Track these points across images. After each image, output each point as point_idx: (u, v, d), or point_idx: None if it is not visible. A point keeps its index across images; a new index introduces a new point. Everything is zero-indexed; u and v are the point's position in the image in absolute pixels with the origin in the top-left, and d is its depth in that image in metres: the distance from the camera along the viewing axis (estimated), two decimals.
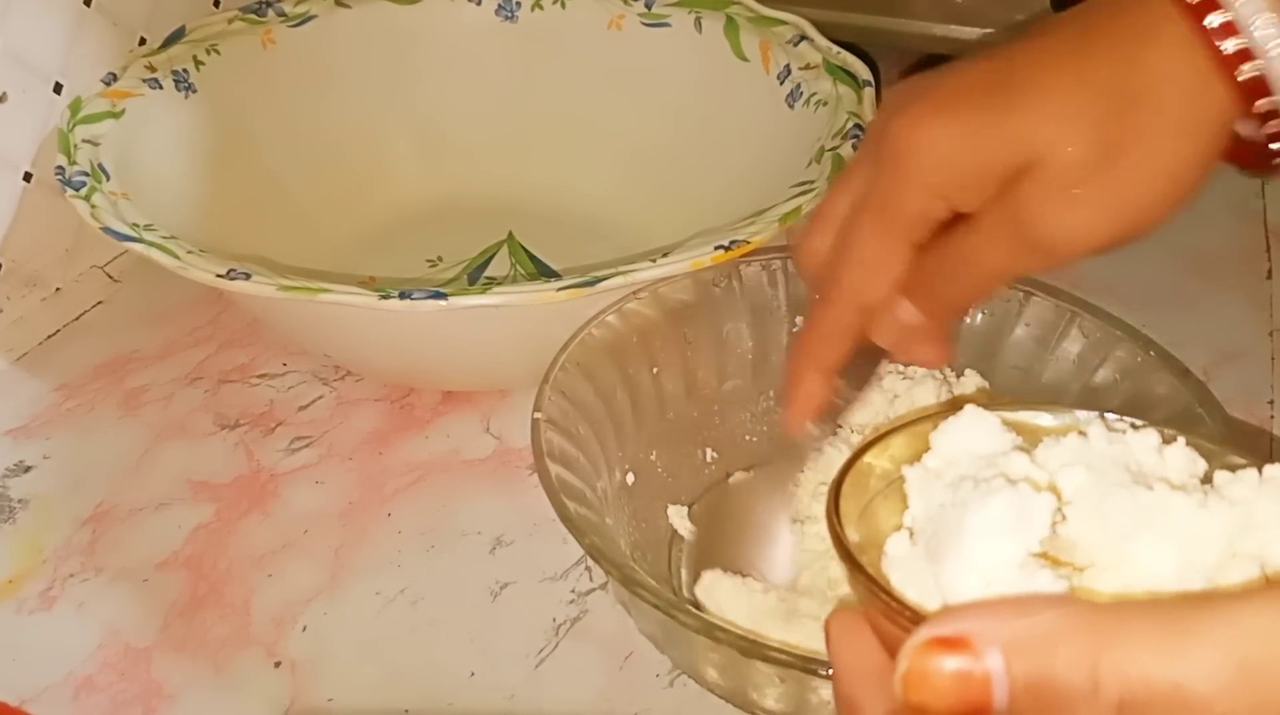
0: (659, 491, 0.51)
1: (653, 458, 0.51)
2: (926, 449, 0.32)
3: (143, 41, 0.68)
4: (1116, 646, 0.22)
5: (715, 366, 0.53)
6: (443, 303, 0.48)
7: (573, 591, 0.50)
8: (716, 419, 0.53)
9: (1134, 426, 0.32)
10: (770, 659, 0.37)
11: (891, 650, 0.27)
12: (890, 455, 0.34)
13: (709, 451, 0.53)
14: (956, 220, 0.39)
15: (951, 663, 0.23)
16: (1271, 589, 0.23)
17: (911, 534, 0.30)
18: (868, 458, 0.34)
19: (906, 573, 0.29)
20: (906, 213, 0.39)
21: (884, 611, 0.28)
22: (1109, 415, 0.33)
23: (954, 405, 0.34)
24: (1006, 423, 0.33)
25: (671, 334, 0.51)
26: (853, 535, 0.31)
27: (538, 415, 0.44)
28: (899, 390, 0.49)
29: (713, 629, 0.38)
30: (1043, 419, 0.34)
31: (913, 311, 0.42)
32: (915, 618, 0.26)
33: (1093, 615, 0.23)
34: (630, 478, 0.50)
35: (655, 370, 0.51)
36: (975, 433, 0.32)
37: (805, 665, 0.37)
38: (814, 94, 0.62)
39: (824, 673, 0.36)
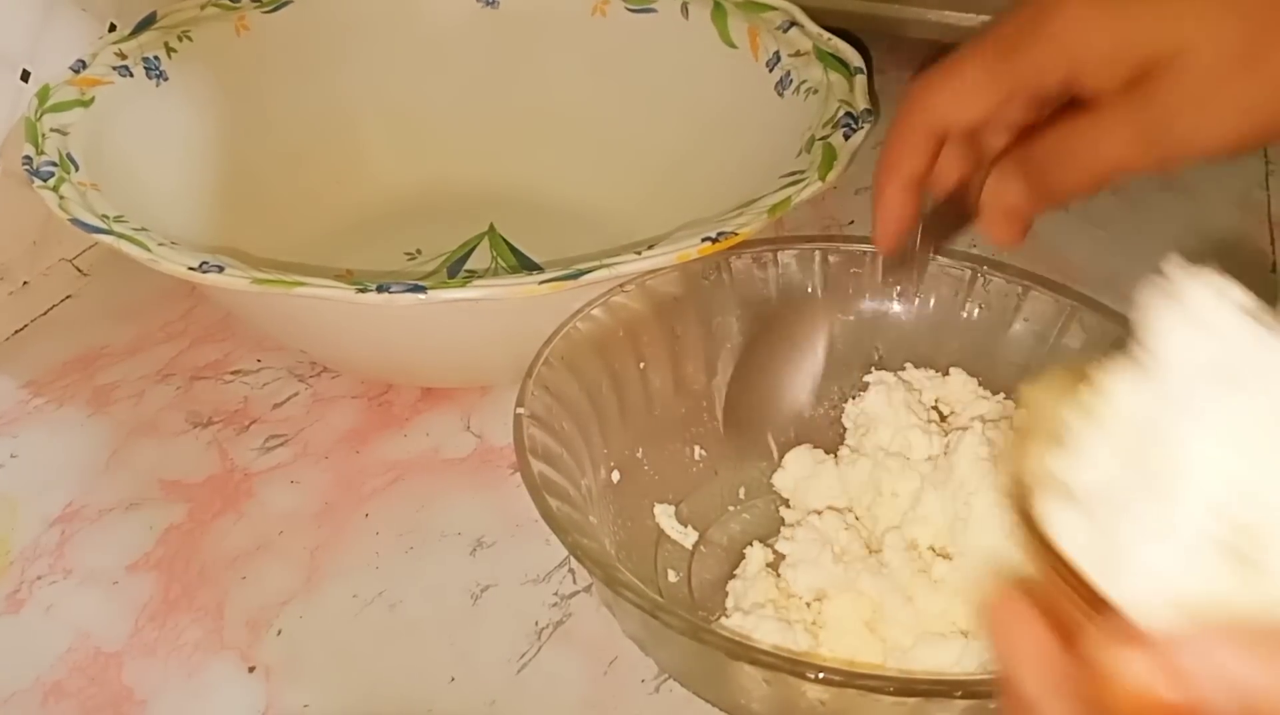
0: (645, 490, 0.51)
1: (639, 455, 0.51)
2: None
3: (113, 28, 0.68)
4: None
5: (704, 361, 0.52)
6: (422, 296, 0.48)
7: (556, 594, 0.50)
8: (705, 416, 0.53)
9: None
10: (758, 661, 0.37)
11: (1060, 624, 0.25)
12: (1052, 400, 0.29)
13: (697, 449, 0.52)
14: (1070, 110, 0.40)
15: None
16: None
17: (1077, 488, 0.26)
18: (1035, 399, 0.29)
19: (1077, 529, 0.25)
20: (1023, 62, 0.40)
21: (1081, 601, 0.25)
22: None
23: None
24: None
25: (659, 328, 0.51)
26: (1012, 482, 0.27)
27: (520, 411, 0.44)
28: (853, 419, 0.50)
29: (697, 630, 0.38)
30: None
31: (1014, 188, 0.42)
32: (1122, 627, 0.23)
33: None
34: (616, 476, 0.49)
35: (642, 365, 0.51)
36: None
37: (793, 668, 0.36)
38: (804, 82, 0.62)
39: (812, 675, 0.36)
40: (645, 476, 0.51)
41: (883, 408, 0.49)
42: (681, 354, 0.52)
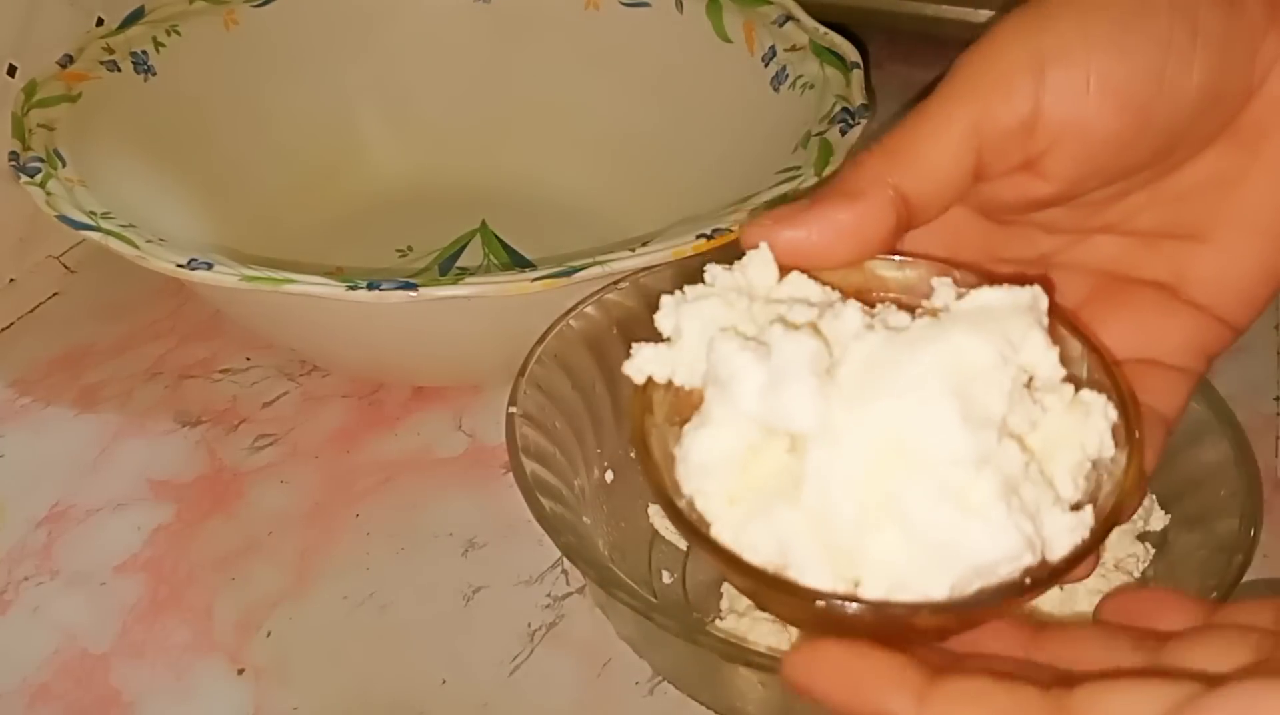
0: (640, 490, 0.49)
1: (633, 455, 0.49)
2: None
3: (100, 22, 0.67)
4: None
5: None
6: (412, 294, 0.47)
7: (549, 596, 0.50)
8: None
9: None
10: (753, 663, 0.37)
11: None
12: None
13: None
14: None
15: None
16: None
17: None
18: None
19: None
20: None
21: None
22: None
23: None
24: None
25: (653, 326, 0.50)
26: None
27: (513, 410, 0.44)
28: None
29: (692, 632, 0.37)
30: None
31: None
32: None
33: None
34: (610, 475, 0.49)
35: None
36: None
37: None
38: (800, 76, 0.61)
39: None
40: (639, 476, 0.50)
41: None
42: None
